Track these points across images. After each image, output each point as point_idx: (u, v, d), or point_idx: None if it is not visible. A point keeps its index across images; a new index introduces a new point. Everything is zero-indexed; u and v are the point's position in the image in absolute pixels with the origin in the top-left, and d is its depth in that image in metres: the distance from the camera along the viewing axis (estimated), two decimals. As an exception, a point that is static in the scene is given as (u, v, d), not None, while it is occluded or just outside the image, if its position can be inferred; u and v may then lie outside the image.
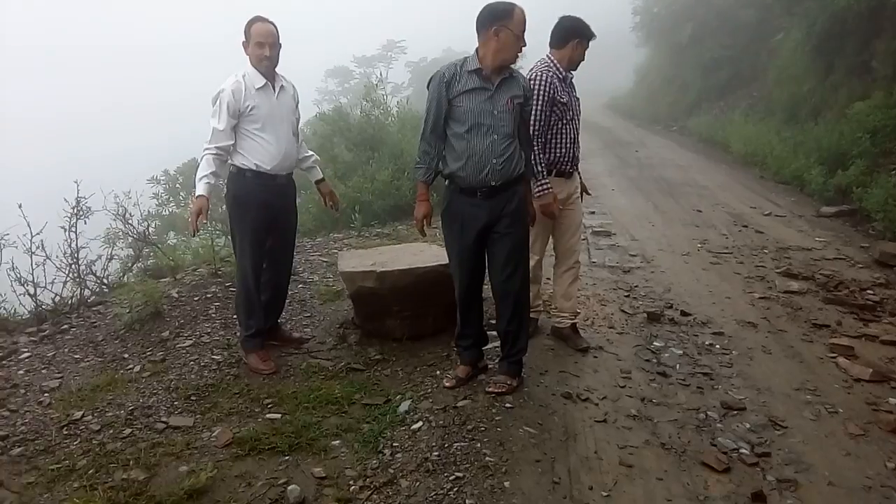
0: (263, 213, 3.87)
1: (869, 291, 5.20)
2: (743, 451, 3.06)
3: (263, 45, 3.77)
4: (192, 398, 3.61)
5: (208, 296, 5.06)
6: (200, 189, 3.69)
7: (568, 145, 3.97)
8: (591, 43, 4.03)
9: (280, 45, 3.85)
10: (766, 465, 2.97)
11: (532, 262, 3.88)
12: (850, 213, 7.76)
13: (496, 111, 3.31)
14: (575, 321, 4.26)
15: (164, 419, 3.38)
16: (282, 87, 3.92)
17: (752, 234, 7.02)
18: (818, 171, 8.80)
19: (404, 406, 3.43)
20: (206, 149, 3.76)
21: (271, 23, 3.83)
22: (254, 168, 3.81)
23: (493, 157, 3.31)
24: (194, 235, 3.93)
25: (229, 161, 3.85)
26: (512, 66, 3.40)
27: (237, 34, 3.85)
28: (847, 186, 8.22)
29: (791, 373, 3.88)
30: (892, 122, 8.61)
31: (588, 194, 4.48)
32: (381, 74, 12.75)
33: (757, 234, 7.02)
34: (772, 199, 8.83)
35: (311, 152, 4.32)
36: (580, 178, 4.30)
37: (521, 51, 3.32)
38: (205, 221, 3.74)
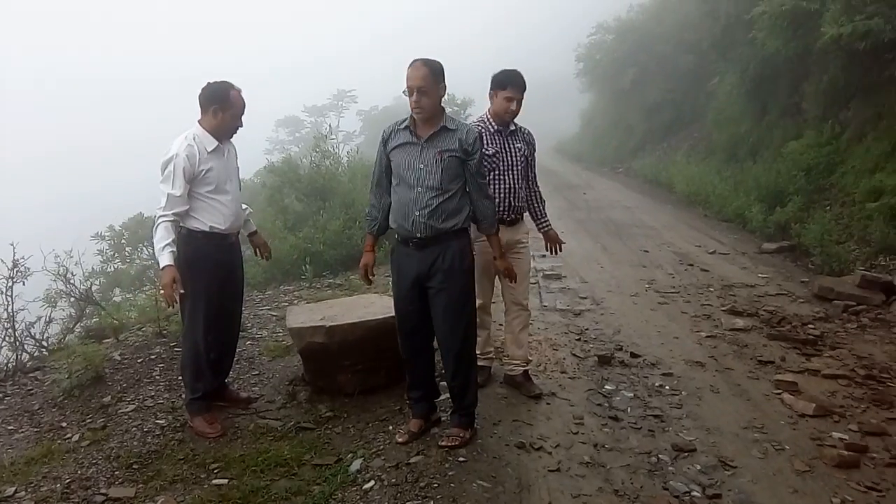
0: (216, 272, 3.80)
1: (810, 326, 5.36)
2: (695, 493, 3.08)
3: (238, 118, 3.80)
4: (134, 466, 3.45)
5: (152, 357, 4.91)
6: (166, 259, 3.55)
7: (502, 194, 4.03)
8: (530, 90, 4.09)
9: None
10: (717, 507, 2.99)
11: (476, 305, 3.87)
12: (790, 249, 8.04)
13: (422, 165, 3.36)
14: (527, 368, 4.27)
15: (103, 491, 3.22)
16: (228, 148, 3.89)
17: (698, 273, 7.19)
18: (758, 208, 9.13)
19: (356, 465, 3.35)
20: (163, 216, 3.62)
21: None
22: (207, 230, 3.74)
23: (416, 210, 3.35)
24: (172, 307, 3.80)
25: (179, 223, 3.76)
26: (443, 119, 3.40)
27: (188, 73, 3.77)
28: (786, 223, 8.55)
29: (738, 411, 3.95)
30: (824, 159, 9.04)
31: (562, 243, 4.46)
32: (330, 126, 12.81)
33: (702, 273, 7.19)
34: (715, 237, 9.09)
35: (245, 205, 4.25)
36: (552, 229, 4.35)
37: (415, 105, 3.30)
38: (181, 291, 3.64)
